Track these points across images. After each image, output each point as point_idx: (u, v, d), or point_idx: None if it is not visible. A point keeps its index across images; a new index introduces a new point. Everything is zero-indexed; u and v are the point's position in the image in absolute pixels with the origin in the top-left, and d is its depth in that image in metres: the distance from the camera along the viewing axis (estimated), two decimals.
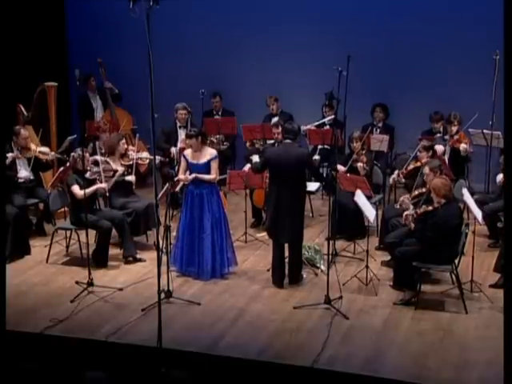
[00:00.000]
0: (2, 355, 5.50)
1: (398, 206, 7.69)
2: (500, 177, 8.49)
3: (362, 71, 9.46)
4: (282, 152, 7.43)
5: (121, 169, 8.44)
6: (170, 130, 10.07)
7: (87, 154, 8.10)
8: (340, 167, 8.71)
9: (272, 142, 9.29)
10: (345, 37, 10.34)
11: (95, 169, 8.10)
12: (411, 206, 7.35)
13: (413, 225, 7.04)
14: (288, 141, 7.46)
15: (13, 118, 9.56)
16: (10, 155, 8.65)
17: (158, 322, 5.77)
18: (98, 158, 8.18)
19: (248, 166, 9.05)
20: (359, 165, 8.69)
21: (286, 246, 7.54)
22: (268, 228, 7.70)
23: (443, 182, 7.07)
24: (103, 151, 8.73)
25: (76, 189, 7.89)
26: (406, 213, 7.15)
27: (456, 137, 9.33)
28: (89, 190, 7.75)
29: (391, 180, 8.76)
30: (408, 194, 7.83)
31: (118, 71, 11.01)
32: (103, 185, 8.05)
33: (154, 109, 5.43)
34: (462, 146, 9.22)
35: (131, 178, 8.59)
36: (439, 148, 9.11)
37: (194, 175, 7.56)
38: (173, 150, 9.87)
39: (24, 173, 8.81)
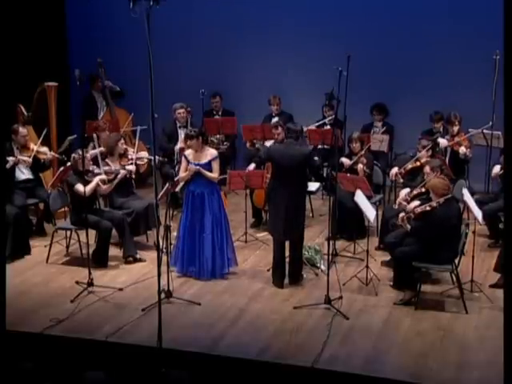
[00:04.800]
0: (2, 355, 5.50)
1: (397, 207, 7.70)
2: (497, 168, 8.51)
3: (362, 71, 9.45)
4: (284, 151, 7.44)
5: (123, 172, 8.42)
6: (170, 130, 10.08)
7: (87, 154, 8.11)
8: (345, 160, 8.75)
9: (272, 142, 9.28)
10: (345, 37, 10.33)
11: (96, 170, 8.11)
12: (408, 207, 7.32)
13: (409, 226, 7.03)
14: (290, 140, 7.49)
15: (13, 118, 9.56)
16: (10, 159, 8.65)
17: (158, 322, 5.77)
18: (96, 151, 8.17)
19: (252, 165, 9.05)
20: (359, 166, 8.69)
21: (287, 246, 7.55)
22: (270, 226, 7.70)
23: (441, 181, 7.08)
24: (102, 149, 8.73)
25: (80, 187, 7.80)
26: (401, 214, 7.13)
27: (457, 138, 9.34)
28: (90, 186, 7.76)
29: (390, 175, 8.75)
30: (404, 192, 7.83)
31: (118, 71, 11.01)
32: (102, 176, 8.04)
33: (154, 109, 5.43)
34: (462, 150, 9.23)
35: (131, 167, 8.59)
36: (442, 141, 9.14)
37: (198, 167, 7.56)
38: (177, 148, 9.86)
39: (21, 175, 8.82)
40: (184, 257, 7.70)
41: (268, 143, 7.93)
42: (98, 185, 8.02)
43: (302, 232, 7.59)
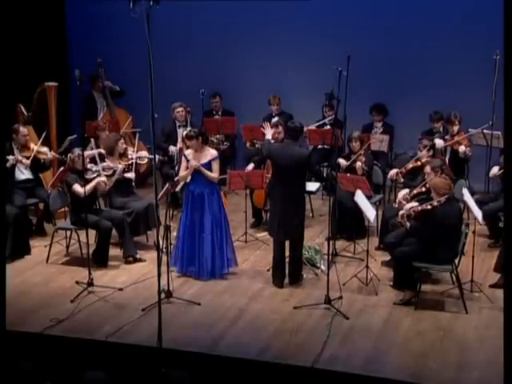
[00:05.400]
0: (2, 355, 5.50)
1: (397, 205, 7.69)
2: (495, 169, 8.52)
3: (362, 71, 9.45)
4: (283, 151, 7.44)
5: (121, 166, 8.44)
6: (169, 130, 10.07)
7: (86, 153, 8.11)
8: (342, 161, 8.75)
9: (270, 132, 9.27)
10: (345, 37, 10.33)
11: (95, 168, 8.11)
12: (405, 207, 7.31)
13: (408, 224, 7.03)
14: (289, 141, 7.49)
15: (13, 118, 9.56)
16: (10, 158, 8.65)
17: (158, 322, 5.77)
18: (94, 152, 8.15)
19: (251, 165, 9.04)
20: (358, 164, 8.69)
21: (287, 246, 7.55)
22: (268, 226, 7.71)
23: (443, 180, 7.08)
24: (101, 150, 8.73)
25: (77, 187, 7.86)
26: (401, 212, 7.13)
27: (457, 138, 9.34)
28: (89, 186, 7.75)
29: (389, 176, 8.76)
30: (404, 192, 7.83)
31: (118, 71, 11.01)
32: (102, 178, 8.04)
33: (154, 109, 5.43)
34: (461, 149, 9.24)
35: (131, 174, 8.59)
36: (439, 142, 9.14)
37: (198, 163, 7.55)
38: (171, 148, 9.86)
39: (21, 175, 8.83)
40: (184, 257, 7.70)
41: (268, 135, 7.88)
42: (97, 184, 8.01)
43: (302, 232, 7.59)
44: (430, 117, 9.89)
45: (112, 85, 10.99)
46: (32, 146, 8.95)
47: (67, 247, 8.53)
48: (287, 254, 7.55)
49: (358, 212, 7.96)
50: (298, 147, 7.54)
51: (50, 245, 8.33)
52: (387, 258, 7.84)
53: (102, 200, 8.88)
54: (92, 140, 9.01)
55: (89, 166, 8.07)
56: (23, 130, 8.97)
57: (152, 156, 7.45)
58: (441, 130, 9.83)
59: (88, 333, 6.53)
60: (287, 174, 7.33)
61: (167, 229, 7.20)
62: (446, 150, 9.46)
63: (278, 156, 7.43)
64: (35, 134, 9.51)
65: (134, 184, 8.80)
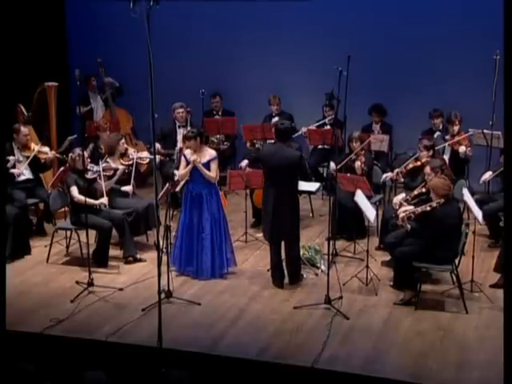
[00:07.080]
0: (2, 355, 5.49)
1: (398, 207, 7.68)
2: (487, 175, 8.51)
3: (362, 71, 9.45)
4: (274, 153, 7.41)
5: (121, 167, 8.45)
6: (168, 130, 10.05)
7: (86, 154, 8.11)
8: (332, 165, 8.75)
9: (272, 141, 9.28)
10: (345, 37, 10.33)
11: (95, 168, 8.11)
12: (402, 209, 7.29)
13: (409, 226, 7.02)
14: (279, 144, 7.45)
15: (13, 118, 9.56)
16: (11, 158, 8.65)
17: (158, 322, 5.77)
18: (97, 168, 8.12)
19: (245, 161, 9.05)
20: (357, 163, 8.68)
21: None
22: (264, 228, 7.70)
23: (442, 181, 7.07)
24: (103, 151, 8.75)
25: (74, 191, 7.91)
26: (401, 215, 7.11)
27: (457, 138, 9.34)
28: (89, 201, 7.71)
29: (384, 177, 8.76)
30: (400, 196, 7.82)
31: (118, 71, 11.02)
32: (104, 200, 8.00)
33: (155, 109, 5.44)
34: (462, 149, 9.23)
35: (128, 188, 8.57)
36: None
37: (198, 159, 7.54)
38: (157, 146, 9.75)
39: (21, 175, 8.82)
40: (182, 256, 7.71)
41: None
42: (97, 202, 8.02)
43: (297, 233, 7.55)
44: (430, 114, 9.89)
45: (112, 80, 10.97)
46: (33, 145, 8.96)
47: (67, 247, 8.53)
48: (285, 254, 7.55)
49: (358, 212, 7.96)
50: (289, 148, 7.51)
51: (50, 245, 8.34)
52: (387, 258, 7.83)
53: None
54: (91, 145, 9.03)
55: (89, 166, 8.08)
56: (24, 129, 8.97)
57: (152, 156, 7.45)
58: (440, 127, 9.83)
59: (88, 333, 6.53)
60: (279, 175, 7.31)
61: (167, 229, 7.21)
62: (444, 150, 9.44)
63: (269, 158, 7.41)
64: (35, 133, 9.51)
65: (134, 184, 8.76)
